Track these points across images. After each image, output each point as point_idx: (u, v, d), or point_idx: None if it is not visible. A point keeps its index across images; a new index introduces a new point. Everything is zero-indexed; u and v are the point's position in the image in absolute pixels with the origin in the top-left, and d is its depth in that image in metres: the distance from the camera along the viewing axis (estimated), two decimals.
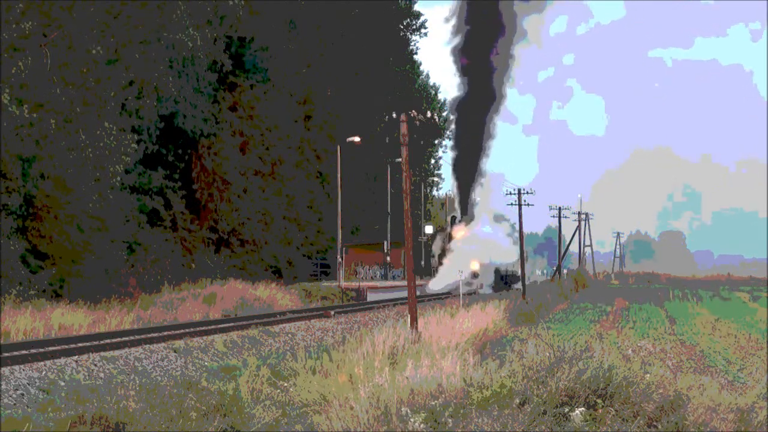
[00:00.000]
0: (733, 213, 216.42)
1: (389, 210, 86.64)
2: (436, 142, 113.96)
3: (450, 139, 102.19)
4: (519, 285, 75.79)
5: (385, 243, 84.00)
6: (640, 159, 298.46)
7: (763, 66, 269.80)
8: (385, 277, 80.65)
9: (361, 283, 67.69)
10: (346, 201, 74.40)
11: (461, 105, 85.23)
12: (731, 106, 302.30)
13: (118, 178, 39.60)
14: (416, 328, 28.91)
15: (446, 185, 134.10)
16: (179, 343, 29.91)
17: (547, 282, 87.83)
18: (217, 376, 22.93)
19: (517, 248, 67.74)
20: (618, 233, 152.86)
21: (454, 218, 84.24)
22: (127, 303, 40.62)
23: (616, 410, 14.70)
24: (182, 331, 33.39)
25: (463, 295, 49.81)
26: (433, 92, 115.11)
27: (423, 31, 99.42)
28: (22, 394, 21.24)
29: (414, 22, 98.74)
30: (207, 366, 27.66)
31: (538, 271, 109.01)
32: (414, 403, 15.47)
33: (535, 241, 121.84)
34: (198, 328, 34.67)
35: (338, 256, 68.26)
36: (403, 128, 31.52)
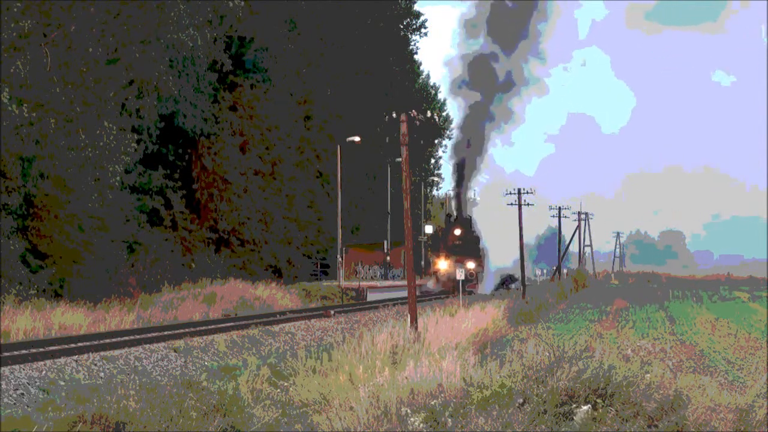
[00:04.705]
0: (734, 218, 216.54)
1: (389, 210, 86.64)
2: (436, 142, 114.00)
3: (450, 138, 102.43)
4: (516, 285, 75.80)
5: (385, 243, 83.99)
6: (646, 164, 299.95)
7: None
8: (385, 276, 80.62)
9: (361, 283, 67.70)
10: (346, 201, 74.40)
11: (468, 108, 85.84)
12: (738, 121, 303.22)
13: (118, 178, 39.56)
14: (416, 327, 28.92)
15: (446, 185, 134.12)
16: (179, 343, 29.92)
17: (547, 282, 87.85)
18: (217, 375, 22.93)
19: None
20: (618, 233, 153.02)
21: (449, 216, 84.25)
22: (127, 303, 40.59)
23: (616, 410, 14.70)
24: (182, 330, 33.39)
25: (462, 294, 49.83)
26: (433, 92, 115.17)
27: (423, 31, 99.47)
28: (22, 394, 21.25)
29: (414, 22, 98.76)
30: (207, 366, 27.66)
31: (537, 270, 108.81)
32: (414, 402, 15.47)
33: (536, 241, 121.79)
34: (198, 328, 34.67)
35: (338, 256, 68.26)
36: (403, 128, 31.53)
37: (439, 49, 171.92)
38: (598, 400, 14.85)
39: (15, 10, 34.63)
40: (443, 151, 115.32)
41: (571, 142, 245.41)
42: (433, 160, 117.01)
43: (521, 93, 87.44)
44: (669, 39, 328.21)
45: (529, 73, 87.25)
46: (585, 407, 14.53)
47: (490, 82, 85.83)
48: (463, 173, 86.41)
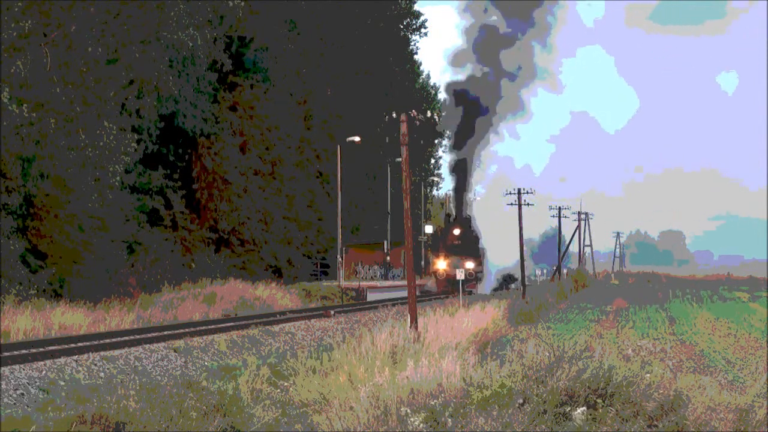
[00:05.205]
0: (733, 218, 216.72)
1: (389, 210, 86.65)
2: (436, 142, 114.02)
3: (449, 138, 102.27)
4: (516, 285, 75.65)
5: (385, 243, 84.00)
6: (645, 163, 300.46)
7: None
8: (385, 276, 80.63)
9: (361, 283, 67.70)
10: (346, 201, 74.41)
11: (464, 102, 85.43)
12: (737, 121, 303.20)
13: (118, 178, 39.58)
14: (416, 327, 28.92)
15: (446, 185, 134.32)
16: (179, 343, 29.93)
17: (547, 282, 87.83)
18: (217, 375, 22.94)
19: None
20: (618, 233, 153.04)
21: (449, 216, 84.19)
22: (127, 303, 40.61)
23: (616, 410, 14.70)
24: (182, 330, 33.40)
25: (462, 294, 49.85)
26: (433, 92, 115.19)
27: (423, 31, 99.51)
28: (22, 394, 21.25)
29: (414, 22, 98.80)
30: (207, 366, 27.66)
31: (538, 270, 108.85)
32: (414, 402, 15.47)
33: (536, 241, 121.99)
34: (198, 328, 34.68)
35: (338, 256, 68.27)
36: (403, 128, 31.54)
37: (439, 49, 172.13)
38: (598, 400, 14.85)
39: (15, 10, 34.65)
40: (443, 151, 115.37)
41: (573, 141, 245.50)
42: (433, 160, 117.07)
43: (529, 85, 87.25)
44: (671, 39, 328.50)
45: (539, 62, 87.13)
46: (580, 409, 14.53)
47: (495, 59, 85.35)
48: (463, 171, 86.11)
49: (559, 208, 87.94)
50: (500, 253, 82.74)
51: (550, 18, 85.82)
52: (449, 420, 14.43)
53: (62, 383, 22.49)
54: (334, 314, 45.04)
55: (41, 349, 25.96)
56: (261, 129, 66.21)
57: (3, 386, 21.11)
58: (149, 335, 31.28)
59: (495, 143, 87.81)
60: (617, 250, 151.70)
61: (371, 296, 63.33)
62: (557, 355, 16.44)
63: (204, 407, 17.13)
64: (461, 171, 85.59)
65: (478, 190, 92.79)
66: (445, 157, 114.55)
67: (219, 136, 61.65)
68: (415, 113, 33.32)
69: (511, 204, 65.32)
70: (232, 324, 36.71)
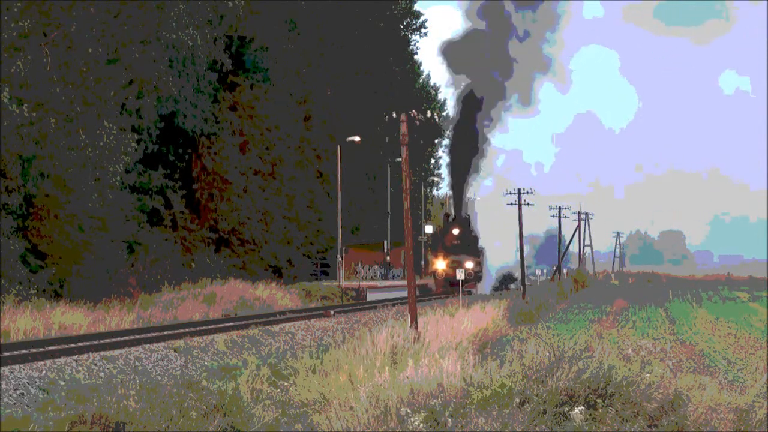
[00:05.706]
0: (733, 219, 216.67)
1: (389, 210, 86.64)
2: (436, 142, 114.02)
3: (448, 138, 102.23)
4: (515, 285, 75.65)
5: (385, 243, 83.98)
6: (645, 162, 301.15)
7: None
8: (385, 276, 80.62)
9: (361, 283, 67.72)
10: (346, 201, 74.40)
11: (466, 100, 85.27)
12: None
13: (118, 178, 39.58)
14: (416, 327, 28.93)
15: (446, 185, 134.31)
16: (179, 343, 29.93)
17: (547, 282, 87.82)
18: (217, 375, 22.93)
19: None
20: (618, 233, 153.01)
21: (448, 216, 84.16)
22: (127, 303, 40.61)
23: (616, 410, 14.70)
24: (182, 330, 33.39)
25: (463, 294, 49.87)
26: (433, 92, 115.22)
27: (423, 30, 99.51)
28: (22, 394, 21.25)
29: (414, 22, 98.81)
30: (207, 365, 27.66)
31: (538, 270, 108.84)
32: (414, 402, 15.47)
33: (540, 238, 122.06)
34: (198, 328, 34.68)
35: (338, 256, 68.28)
36: (403, 128, 31.54)
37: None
38: (598, 400, 14.86)
39: (15, 10, 34.65)
40: (443, 151, 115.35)
41: (575, 141, 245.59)
42: (433, 160, 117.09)
43: (537, 77, 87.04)
44: (673, 39, 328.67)
45: (548, 54, 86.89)
46: (578, 409, 14.53)
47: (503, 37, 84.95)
48: (464, 170, 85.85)
49: (559, 208, 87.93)
50: (500, 253, 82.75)
51: (560, 10, 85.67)
52: (449, 420, 14.43)
53: (62, 383, 22.49)
54: (334, 314, 45.04)
55: (41, 349, 25.96)
56: (261, 129, 66.20)
57: (3, 386, 21.12)
58: (149, 335, 31.28)
59: (499, 132, 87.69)
60: (617, 250, 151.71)
61: (371, 296, 63.33)
62: (557, 355, 16.45)
63: (204, 407, 17.14)
64: (461, 165, 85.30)
65: (475, 191, 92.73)
66: (444, 157, 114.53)
67: (219, 136, 61.65)
68: (415, 113, 33.30)
69: (511, 204, 65.31)
70: (232, 324, 36.71)
